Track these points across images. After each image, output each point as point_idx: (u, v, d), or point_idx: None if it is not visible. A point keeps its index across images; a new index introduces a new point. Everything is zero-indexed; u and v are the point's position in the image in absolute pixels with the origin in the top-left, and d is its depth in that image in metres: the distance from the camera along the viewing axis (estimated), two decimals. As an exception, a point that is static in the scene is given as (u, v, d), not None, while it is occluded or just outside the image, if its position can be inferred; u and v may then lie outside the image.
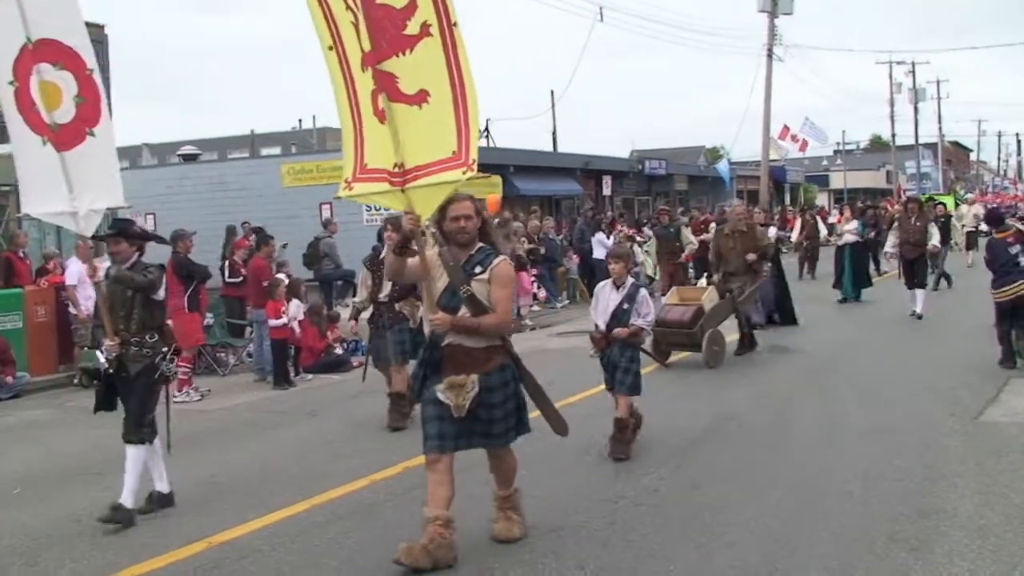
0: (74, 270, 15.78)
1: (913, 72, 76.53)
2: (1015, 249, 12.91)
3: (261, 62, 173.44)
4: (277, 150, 54.82)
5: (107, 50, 20.77)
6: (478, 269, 6.47)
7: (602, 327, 9.25)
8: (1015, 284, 12.79)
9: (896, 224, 19.51)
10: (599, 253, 23.56)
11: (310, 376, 15.09)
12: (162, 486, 8.01)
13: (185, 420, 12.20)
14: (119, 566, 6.63)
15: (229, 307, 17.20)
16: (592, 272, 23.85)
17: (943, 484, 7.78)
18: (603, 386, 9.66)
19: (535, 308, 22.19)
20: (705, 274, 15.92)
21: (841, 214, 24.90)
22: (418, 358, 6.83)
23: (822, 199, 69.75)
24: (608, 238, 25.62)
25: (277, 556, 6.72)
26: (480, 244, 6.58)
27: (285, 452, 10.05)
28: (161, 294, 8.18)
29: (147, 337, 7.95)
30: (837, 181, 77.44)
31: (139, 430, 7.80)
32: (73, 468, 9.67)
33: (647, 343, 12.05)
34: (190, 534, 7.23)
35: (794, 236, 29.51)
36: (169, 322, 9.26)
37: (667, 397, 11.97)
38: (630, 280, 9.36)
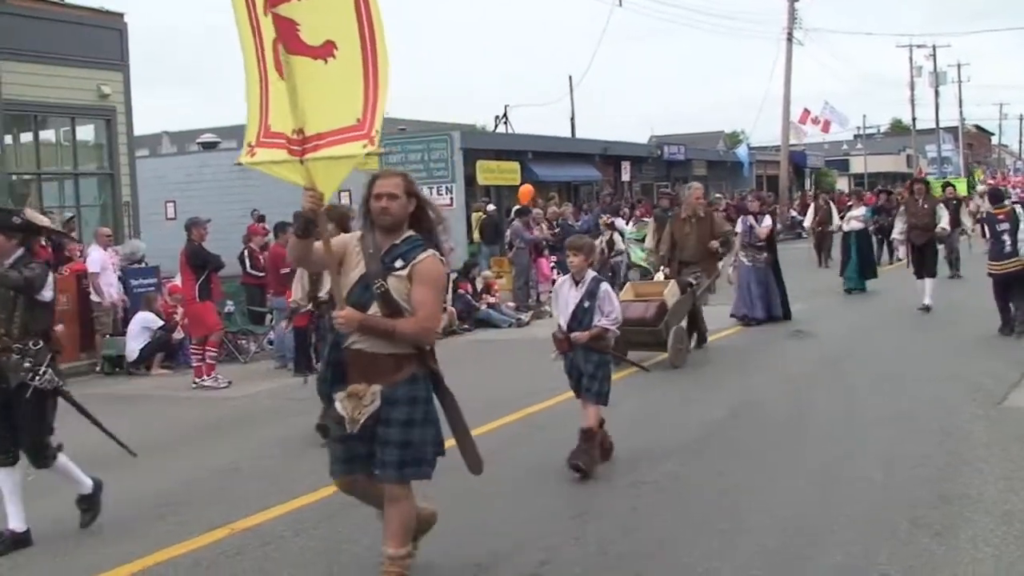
0: (96, 258, 15.91)
1: (934, 55, 76.04)
2: (1003, 227, 14.56)
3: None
4: (296, 137, 54.81)
5: (127, 38, 20.72)
6: (398, 263, 5.37)
7: (564, 327, 8.31)
8: (1007, 261, 14.39)
9: (903, 208, 18.57)
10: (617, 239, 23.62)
11: (330, 363, 15.10)
12: (17, 524, 6.97)
13: (207, 408, 12.32)
14: (139, 554, 6.64)
15: (250, 294, 17.26)
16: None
17: (966, 470, 7.74)
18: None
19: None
20: (662, 268, 14.89)
21: (860, 199, 23.71)
22: (323, 357, 5.76)
23: (842, 184, 69.42)
24: (628, 224, 25.61)
25: (300, 542, 6.74)
26: (409, 233, 5.48)
27: (307, 439, 10.03)
28: (47, 295, 7.05)
29: (31, 344, 6.93)
30: (857, 165, 76.99)
31: (44, 453, 7.07)
32: (92, 456, 9.67)
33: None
34: (212, 521, 7.26)
35: (807, 222, 29.18)
36: (59, 327, 8.32)
37: (687, 384, 11.99)
38: (590, 274, 8.31)
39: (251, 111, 5.57)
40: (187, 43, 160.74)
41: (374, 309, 5.33)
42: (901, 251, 20.77)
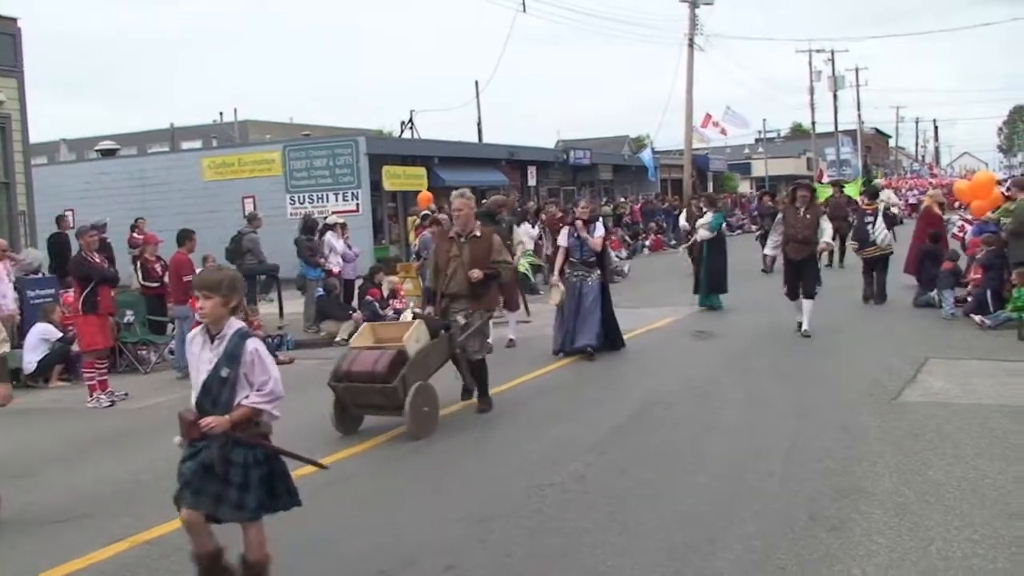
0: (-12, 269, 15.42)
1: (832, 60, 77.69)
2: (869, 219, 18.74)
3: (181, 54, 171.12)
4: (198, 144, 54.19)
5: (20, 44, 20.20)
6: None
7: (194, 404, 5.51)
8: (869, 247, 18.40)
9: (779, 218, 15.73)
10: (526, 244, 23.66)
11: (234, 372, 14.90)
12: None
13: (106, 420, 12.07)
14: (40, 568, 6.51)
15: (149, 304, 16.96)
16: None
17: (863, 464, 7.94)
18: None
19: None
20: (411, 306, 11.73)
21: (712, 203, 20.90)
22: None
23: (744, 187, 70.66)
24: (534, 228, 25.70)
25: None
26: None
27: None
28: None
29: None
30: (759, 169, 78.52)
31: None
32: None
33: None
34: (113, 533, 7.13)
35: (681, 220, 29.12)
36: None
37: (594, 385, 12.07)
38: (234, 326, 5.53)
39: None
40: (86, 49, 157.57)
41: None
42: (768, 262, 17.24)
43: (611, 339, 14.24)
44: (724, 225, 20.93)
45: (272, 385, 5.46)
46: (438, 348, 10.42)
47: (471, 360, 10.80)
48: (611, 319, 14.32)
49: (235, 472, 5.42)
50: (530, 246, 21.04)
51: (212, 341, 5.51)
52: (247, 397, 5.44)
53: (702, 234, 19.26)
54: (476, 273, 10.68)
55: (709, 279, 18.91)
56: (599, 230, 14.29)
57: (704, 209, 20.45)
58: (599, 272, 14.18)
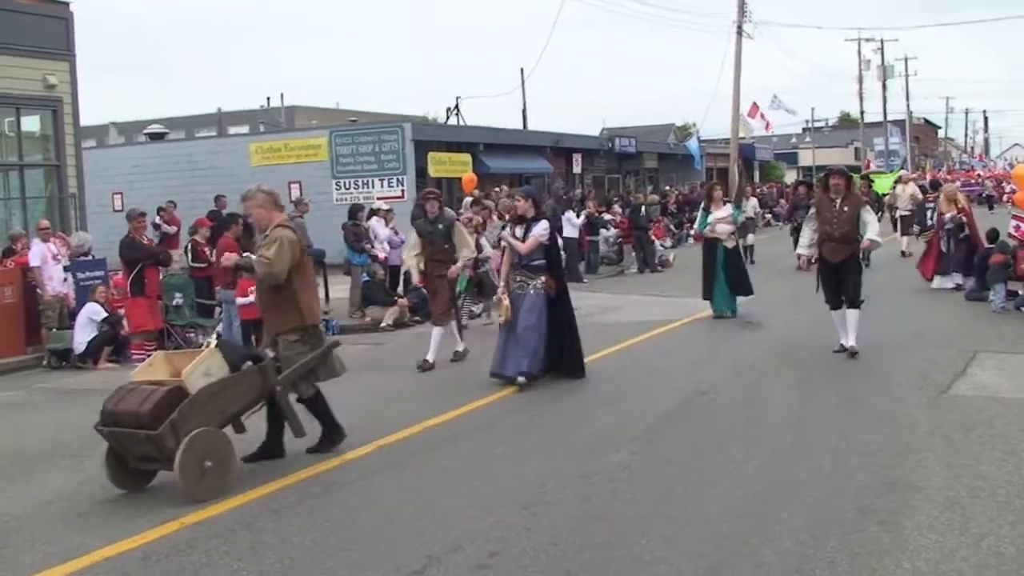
0: (36, 251, 15.75)
1: (882, 49, 77.01)
2: (929, 205, 22.70)
3: (227, 39, 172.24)
4: (245, 128, 54.54)
5: (72, 28, 20.44)
6: None
7: None
8: (927, 231, 21.36)
9: (812, 212, 13.14)
10: (569, 232, 23.69)
11: (280, 356, 15.01)
12: None
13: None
14: (92, 547, 6.58)
15: (198, 287, 17.12)
16: (563, 251, 23.94)
17: (912, 458, 7.86)
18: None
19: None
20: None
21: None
22: None
23: (791, 176, 70.15)
24: (578, 217, 25.71)
25: (251, 535, 6.70)
26: None
27: (255, 433, 9.98)
28: None
29: None
30: (806, 158, 77.90)
31: None
32: (43, 450, 9.60)
33: None
34: (163, 515, 7.19)
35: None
36: None
37: (639, 374, 12.04)
38: None
39: None
40: (136, 31, 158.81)
41: None
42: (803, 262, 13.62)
43: (564, 362, 11.76)
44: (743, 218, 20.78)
45: None
46: (239, 385, 8.11)
47: (301, 399, 8.69)
48: (566, 338, 11.76)
49: None
50: (489, 252, 17.75)
51: None
52: None
53: (722, 229, 16.37)
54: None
55: (731, 281, 16.44)
56: (538, 229, 11.52)
57: (705, 202, 17.15)
58: (544, 279, 11.56)
